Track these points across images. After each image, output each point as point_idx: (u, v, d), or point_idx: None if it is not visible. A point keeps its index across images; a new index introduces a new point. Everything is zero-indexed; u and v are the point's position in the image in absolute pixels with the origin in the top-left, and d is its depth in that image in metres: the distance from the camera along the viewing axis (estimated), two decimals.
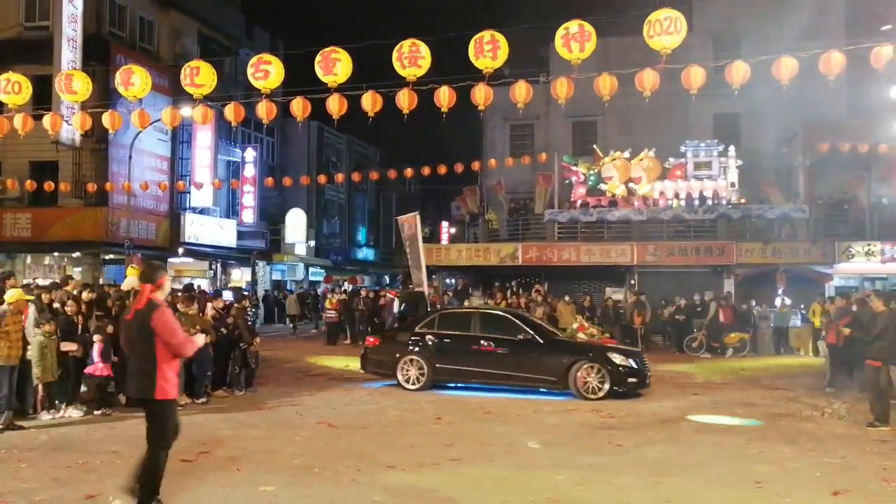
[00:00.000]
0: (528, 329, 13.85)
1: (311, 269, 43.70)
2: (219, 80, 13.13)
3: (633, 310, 22.51)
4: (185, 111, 18.53)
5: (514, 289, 26.90)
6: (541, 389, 13.48)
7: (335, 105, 12.75)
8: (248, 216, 36.25)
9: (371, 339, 15.23)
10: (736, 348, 21.75)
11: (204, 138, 32.25)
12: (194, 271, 32.70)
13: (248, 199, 36.35)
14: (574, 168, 29.64)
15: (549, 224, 28.27)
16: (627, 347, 15.26)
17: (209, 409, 11.78)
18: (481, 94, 12.35)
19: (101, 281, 25.11)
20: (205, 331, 12.10)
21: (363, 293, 25.70)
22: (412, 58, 11.36)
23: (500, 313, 14.95)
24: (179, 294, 13.27)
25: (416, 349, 14.03)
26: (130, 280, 14.86)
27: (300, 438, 9.67)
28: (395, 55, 11.44)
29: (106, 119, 14.57)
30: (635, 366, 13.40)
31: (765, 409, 12.30)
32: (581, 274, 27.91)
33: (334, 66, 11.67)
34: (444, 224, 47.92)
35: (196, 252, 31.89)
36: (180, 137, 32.01)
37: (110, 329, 11.23)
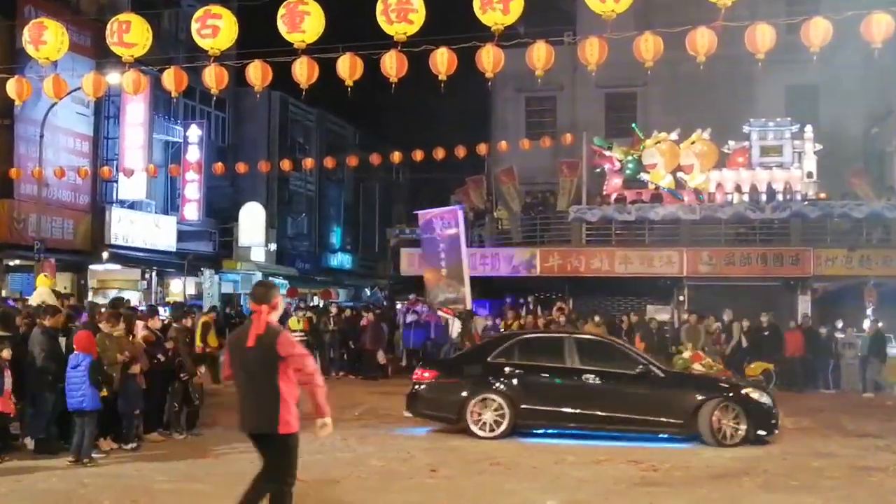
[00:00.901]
0: (641, 359, 14.08)
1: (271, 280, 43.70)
2: (155, 39, 13.16)
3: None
4: (112, 78, 18.58)
5: (531, 306, 26.90)
6: (661, 435, 13.63)
7: (303, 71, 12.78)
8: (192, 212, 36.29)
9: (424, 373, 14.51)
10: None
11: (136, 112, 32.28)
12: (122, 281, 32.68)
13: (192, 190, 36.40)
14: (607, 153, 29.68)
15: (574, 224, 28.28)
16: (756, 382, 15.70)
17: (141, 456, 11.76)
18: (489, 58, 12.39)
19: (2, 293, 25.12)
20: (135, 358, 12.14)
21: (333, 310, 25.69)
22: (401, 11, 11.40)
23: (602, 339, 15.31)
24: (103, 310, 13.27)
25: (492, 386, 13.75)
26: (41, 292, 14.90)
27: None
28: (379, 8, 11.47)
29: (11, 87, 14.59)
30: (771, 404, 13.75)
31: (849, 462, 12.29)
32: (615, 288, 27.91)
33: (302, 20, 11.70)
34: None
35: (125, 257, 31.89)
36: (106, 111, 32.05)
37: (7, 354, 11.21)
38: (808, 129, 28.40)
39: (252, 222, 40.28)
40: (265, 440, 6.93)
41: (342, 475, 10.79)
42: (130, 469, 10.88)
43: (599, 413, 13.49)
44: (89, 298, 26.79)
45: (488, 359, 14.17)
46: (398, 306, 28.21)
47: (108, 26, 12.47)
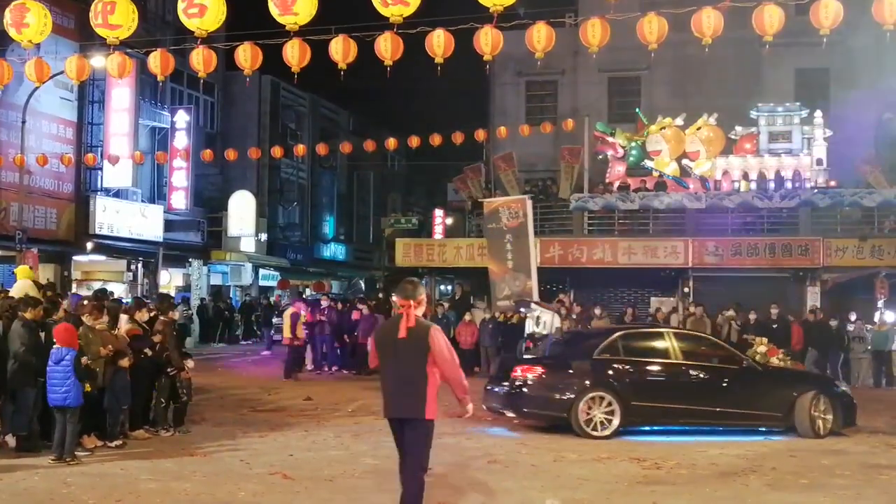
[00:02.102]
0: (738, 353, 14.84)
1: (261, 272, 43.72)
2: (141, 21, 13.12)
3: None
4: (97, 61, 18.52)
5: None
6: (760, 429, 14.16)
7: (295, 54, 12.75)
8: (180, 200, 36.24)
9: (527, 370, 14.17)
10: None
11: (121, 97, 32.21)
12: (107, 273, 32.67)
13: (180, 177, 36.34)
14: (610, 139, 29.66)
15: (576, 213, 28.29)
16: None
17: (126, 453, 11.75)
18: (488, 41, 12.36)
19: None
20: (120, 352, 12.10)
21: (323, 302, 25.59)
22: None
23: (698, 334, 16.05)
24: (86, 302, 13.22)
25: (602, 382, 13.78)
26: (22, 284, 14.82)
27: (245, 493, 9.67)
28: None
29: None
30: (852, 397, 14.70)
31: (859, 460, 12.31)
32: (619, 279, 27.94)
33: (294, 1, 11.66)
34: (438, 213, 47.89)
35: (110, 247, 31.87)
36: (90, 96, 31.98)
37: None
38: (818, 114, 28.38)
39: (242, 211, 40.24)
40: (409, 425, 7.50)
41: (335, 473, 10.79)
42: (115, 467, 10.86)
43: (708, 409, 13.83)
44: (73, 290, 26.81)
45: (594, 355, 14.15)
46: (393, 298, 28.14)
47: (93, 7, 12.41)
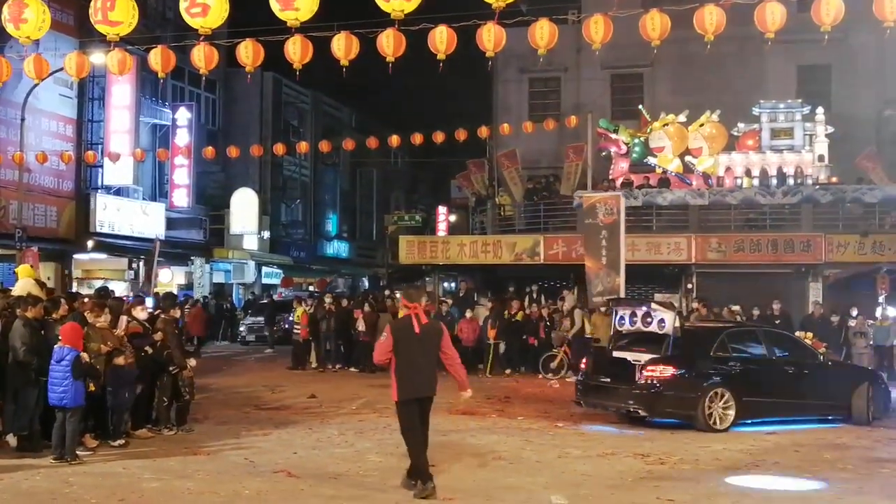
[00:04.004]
0: (815, 350, 16.18)
1: (264, 269, 43.76)
2: (141, 17, 13.12)
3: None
4: (97, 58, 18.53)
5: (535, 295, 26.92)
6: (829, 417, 15.29)
7: (297, 50, 12.74)
8: (181, 198, 36.28)
9: (661, 369, 14.31)
10: None
11: (122, 94, 32.23)
12: (109, 271, 32.66)
13: (181, 175, 36.38)
14: (613, 136, 29.62)
15: (579, 210, 28.28)
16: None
17: (129, 453, 11.74)
18: (490, 37, 12.35)
19: None
20: (118, 350, 12.05)
21: (328, 299, 25.51)
22: None
23: (782, 332, 17.37)
24: (86, 300, 13.20)
25: (720, 379, 14.38)
26: (24, 283, 14.81)
27: (250, 492, 9.67)
28: None
29: None
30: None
31: (861, 454, 12.35)
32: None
33: None
34: (442, 210, 47.98)
35: (111, 246, 31.87)
36: (90, 93, 32.00)
37: None
38: (820, 110, 28.35)
39: (244, 209, 40.26)
40: (427, 401, 9.59)
41: (340, 471, 10.78)
42: (118, 467, 10.86)
43: (800, 401, 14.94)
44: (73, 289, 26.81)
45: (711, 353, 14.69)
46: (398, 295, 28.12)
47: (92, 3, 12.39)
